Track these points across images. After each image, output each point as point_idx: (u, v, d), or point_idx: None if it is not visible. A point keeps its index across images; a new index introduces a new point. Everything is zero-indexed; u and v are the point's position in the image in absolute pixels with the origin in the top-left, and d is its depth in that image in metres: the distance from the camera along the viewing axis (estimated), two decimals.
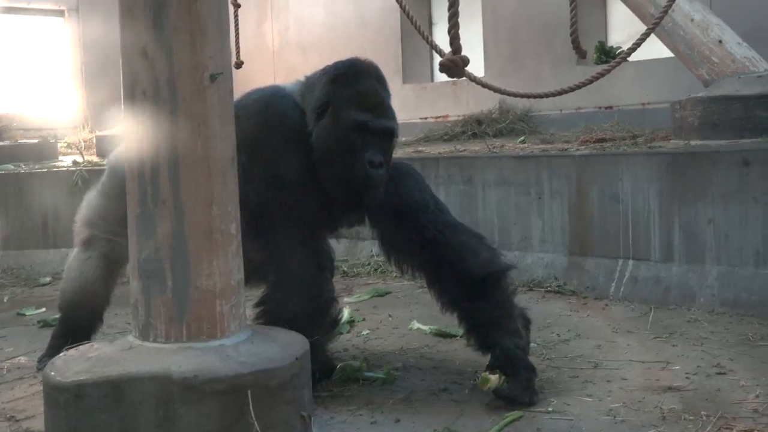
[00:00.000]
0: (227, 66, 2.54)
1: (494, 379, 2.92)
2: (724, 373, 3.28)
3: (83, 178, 6.32)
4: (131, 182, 2.51)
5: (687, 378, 3.24)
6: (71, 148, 9.39)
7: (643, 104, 7.94)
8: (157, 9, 2.42)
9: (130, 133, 2.51)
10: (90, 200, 3.64)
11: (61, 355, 2.67)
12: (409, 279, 3.41)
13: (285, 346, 2.61)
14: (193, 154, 2.44)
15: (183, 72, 2.42)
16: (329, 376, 3.25)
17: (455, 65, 2.86)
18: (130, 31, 2.47)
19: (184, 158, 2.43)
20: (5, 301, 5.44)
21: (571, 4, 3.90)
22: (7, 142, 8.56)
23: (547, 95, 4.26)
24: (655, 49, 6.91)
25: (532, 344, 3.57)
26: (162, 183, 2.45)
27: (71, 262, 3.66)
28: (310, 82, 3.19)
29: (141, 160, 2.47)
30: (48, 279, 5.95)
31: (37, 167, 7.11)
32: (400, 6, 4.34)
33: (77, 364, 2.48)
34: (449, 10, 2.80)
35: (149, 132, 2.44)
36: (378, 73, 3.14)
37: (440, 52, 3.47)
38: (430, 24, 10.41)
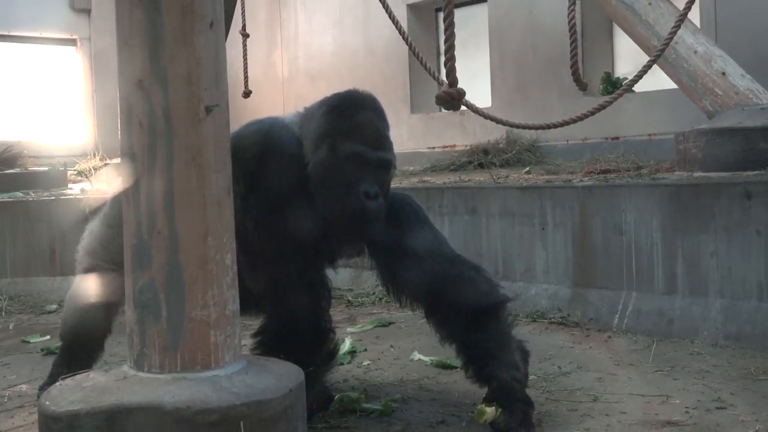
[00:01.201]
0: (224, 98, 2.56)
1: (490, 411, 2.91)
2: (724, 408, 3.26)
3: (91, 206, 6.34)
4: (127, 212, 2.53)
5: (686, 412, 3.22)
6: (81, 176, 9.46)
7: (649, 135, 7.96)
8: (153, 41, 2.44)
9: (126, 164, 2.53)
10: (92, 229, 3.65)
11: (57, 384, 2.67)
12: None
13: (279, 377, 2.61)
14: (188, 185, 2.45)
15: (178, 103, 2.44)
16: (327, 408, 3.24)
17: (451, 98, 2.89)
18: (126, 63, 2.50)
19: (179, 189, 2.45)
20: (11, 328, 5.45)
21: (570, 38, 3.94)
22: (17, 170, 8.63)
23: (549, 126, 4.30)
24: (661, 80, 6.94)
25: (531, 376, 3.56)
26: (157, 214, 2.46)
27: (73, 291, 3.67)
28: (308, 114, 3.21)
29: (137, 191, 2.49)
30: (54, 306, 5.96)
31: (45, 195, 7.16)
32: (403, 38, 4.39)
33: (72, 393, 2.48)
34: (445, 43, 2.83)
35: (145, 163, 2.46)
36: (376, 104, 3.14)
37: (441, 83, 3.50)
38: (438, 54, 10.48)
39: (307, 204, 3.07)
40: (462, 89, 2.95)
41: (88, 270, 3.61)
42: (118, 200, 3.38)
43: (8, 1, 10.32)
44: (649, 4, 5.86)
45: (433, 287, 3.17)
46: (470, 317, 3.12)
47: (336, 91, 3.23)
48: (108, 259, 3.50)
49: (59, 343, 3.89)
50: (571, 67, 4.70)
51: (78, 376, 2.66)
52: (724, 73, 5.51)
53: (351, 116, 3.06)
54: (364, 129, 3.05)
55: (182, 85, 2.46)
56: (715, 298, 4.36)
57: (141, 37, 2.47)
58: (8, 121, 11.18)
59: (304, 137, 3.14)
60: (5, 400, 3.70)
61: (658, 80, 7.21)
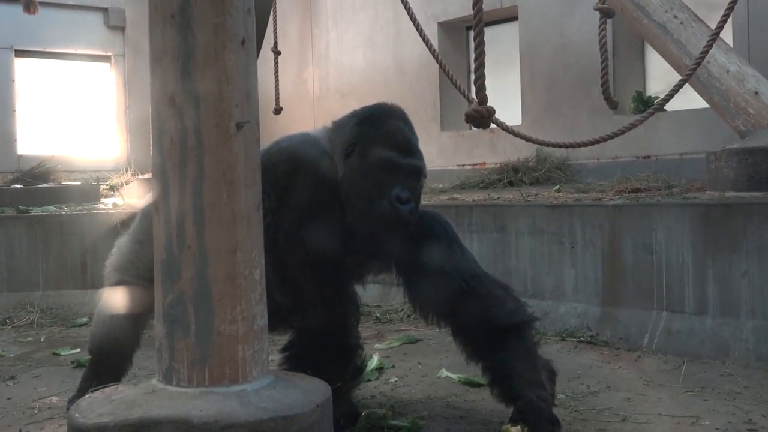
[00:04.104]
0: (254, 114, 2.58)
1: (515, 431, 2.90)
2: (755, 430, 3.22)
3: (122, 221, 6.39)
4: (157, 227, 2.55)
5: None
6: (114, 191, 9.56)
7: (681, 155, 7.90)
8: (185, 58, 2.47)
9: (157, 179, 2.55)
10: (121, 245, 3.68)
11: (86, 396, 2.69)
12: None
13: (307, 393, 2.62)
14: (218, 201, 2.48)
15: (209, 120, 2.47)
16: (353, 424, 3.23)
17: (481, 115, 2.89)
18: (159, 80, 2.53)
19: (209, 205, 2.47)
20: (42, 340, 5.52)
21: (601, 57, 3.93)
22: (51, 184, 8.73)
23: (579, 145, 4.28)
24: (693, 99, 6.89)
25: (560, 396, 3.54)
26: (187, 228, 2.48)
27: (101, 306, 3.70)
28: (337, 127, 3.24)
29: (167, 206, 2.51)
30: (85, 319, 6.01)
31: (78, 209, 7.24)
32: (434, 55, 4.40)
33: (101, 406, 2.51)
34: (475, 61, 2.84)
35: (176, 178, 2.48)
36: (404, 115, 3.18)
37: (471, 101, 3.50)
38: (468, 72, 10.49)
39: (338, 219, 3.09)
40: (491, 107, 2.96)
41: (117, 285, 3.63)
42: (146, 216, 3.42)
43: (44, 18, 10.44)
44: (681, 23, 5.84)
45: (459, 305, 3.17)
46: (496, 336, 3.11)
47: None
48: (136, 275, 3.52)
49: (89, 356, 3.93)
50: (602, 86, 4.69)
51: (107, 389, 2.68)
52: (757, 93, 5.47)
53: (381, 125, 3.10)
54: (394, 136, 3.08)
55: (213, 102, 2.48)
56: (747, 318, 4.31)
57: (173, 54, 2.51)
58: (42, 136, 11.33)
59: (334, 151, 3.16)
60: (36, 412, 3.74)
61: (690, 99, 7.17)
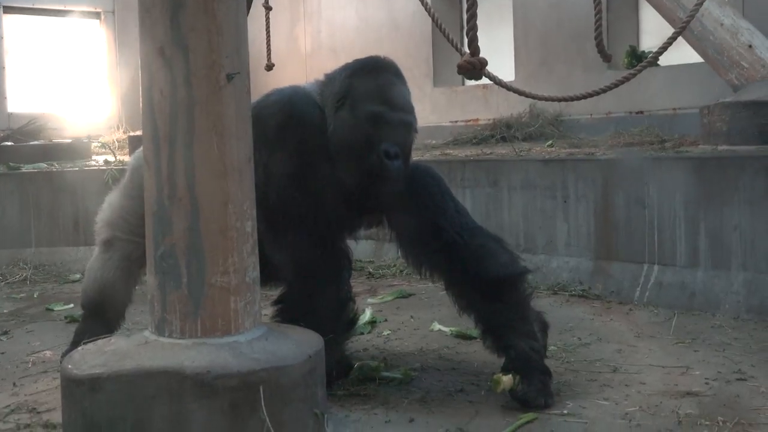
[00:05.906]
0: (244, 66, 2.56)
1: (506, 380, 2.92)
2: (744, 380, 3.25)
3: (114, 177, 6.38)
4: (149, 180, 2.54)
5: (706, 383, 3.21)
6: (105, 148, 9.51)
7: (674, 109, 7.87)
8: (174, 9, 2.45)
9: (147, 131, 2.54)
10: (111, 201, 3.65)
11: (79, 348, 2.71)
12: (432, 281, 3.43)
13: (299, 344, 2.63)
14: (209, 153, 2.47)
15: (199, 71, 2.45)
16: (346, 375, 3.26)
17: (473, 67, 2.87)
18: (148, 31, 2.51)
19: (199, 156, 2.46)
20: (35, 296, 5.53)
21: (595, 9, 3.88)
22: (42, 142, 8.68)
23: (572, 99, 4.24)
24: (687, 54, 6.86)
25: (551, 347, 3.57)
26: (178, 181, 2.48)
27: (92, 262, 3.67)
28: (329, 79, 3.22)
29: (158, 158, 2.50)
30: (78, 276, 6.01)
31: (69, 166, 7.21)
32: (426, 8, 4.35)
33: (94, 357, 2.52)
34: (467, 12, 2.81)
35: (166, 130, 2.47)
36: (396, 69, 3.15)
37: (463, 54, 3.47)
38: (462, 29, 10.40)
39: (329, 172, 3.08)
40: (484, 58, 2.93)
41: (108, 242, 3.61)
42: (136, 171, 3.41)
43: None
44: None
45: (452, 258, 3.17)
46: (489, 288, 3.11)
47: None
48: (127, 230, 3.51)
49: (82, 312, 3.93)
50: (596, 39, 4.62)
51: (100, 341, 2.70)
52: (750, 46, 5.45)
53: (372, 78, 3.08)
54: (384, 90, 3.06)
55: (203, 53, 2.47)
56: (738, 271, 4.33)
57: (162, 4, 2.48)
58: (33, 94, 11.24)
59: (325, 104, 3.15)
60: (29, 366, 3.76)
61: (684, 54, 7.12)
